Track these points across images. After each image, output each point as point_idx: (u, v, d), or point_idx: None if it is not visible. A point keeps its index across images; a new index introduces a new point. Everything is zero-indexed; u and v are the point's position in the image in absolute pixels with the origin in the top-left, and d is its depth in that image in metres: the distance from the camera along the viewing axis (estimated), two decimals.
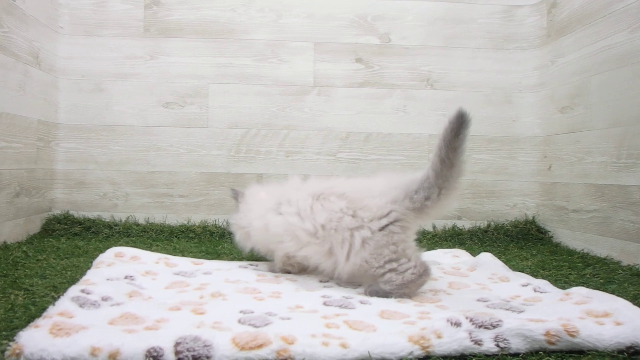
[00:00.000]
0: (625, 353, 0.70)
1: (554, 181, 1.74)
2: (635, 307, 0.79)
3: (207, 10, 1.81)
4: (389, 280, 0.96)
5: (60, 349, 0.64)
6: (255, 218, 1.16)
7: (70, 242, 1.54)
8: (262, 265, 1.26)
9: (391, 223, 0.97)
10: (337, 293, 0.99)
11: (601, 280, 1.16)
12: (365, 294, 0.98)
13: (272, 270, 1.20)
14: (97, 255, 1.21)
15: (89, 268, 1.13)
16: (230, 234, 1.71)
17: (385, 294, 0.96)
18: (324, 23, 1.83)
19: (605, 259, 1.41)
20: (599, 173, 1.50)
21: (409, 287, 0.96)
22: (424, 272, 0.97)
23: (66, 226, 1.70)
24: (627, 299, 0.83)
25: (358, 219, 0.99)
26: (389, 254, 0.96)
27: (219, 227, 1.76)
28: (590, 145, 1.54)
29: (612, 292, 0.93)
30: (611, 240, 1.44)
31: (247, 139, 1.82)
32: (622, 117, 1.40)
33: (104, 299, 0.87)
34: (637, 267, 1.29)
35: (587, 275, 1.22)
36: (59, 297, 0.88)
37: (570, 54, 1.65)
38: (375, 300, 0.94)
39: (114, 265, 1.11)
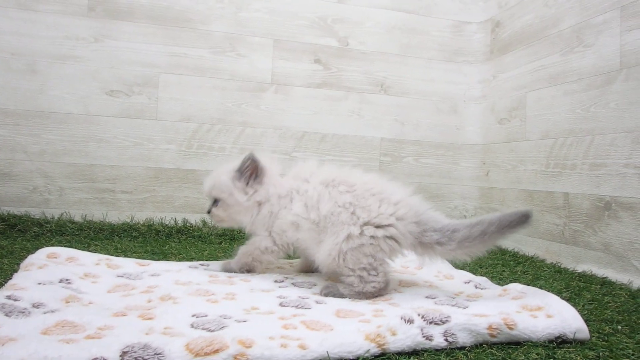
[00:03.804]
0: (554, 342, 0.78)
1: (491, 186, 1.90)
2: (563, 301, 0.85)
3: None
4: (350, 283, 0.97)
5: None
6: (266, 202, 1.12)
7: None
8: (214, 265, 1.22)
9: (385, 237, 0.96)
10: (292, 293, 0.99)
11: (530, 277, 1.27)
12: (321, 294, 0.99)
13: (227, 270, 1.16)
14: (26, 256, 1.10)
15: (15, 271, 1.02)
16: (180, 232, 1.65)
17: (341, 296, 0.98)
18: (284, 21, 1.82)
19: (532, 257, 1.56)
20: (530, 180, 1.66)
21: (366, 296, 0.98)
22: (384, 287, 0.99)
23: None
24: (554, 294, 0.91)
25: (354, 217, 0.98)
26: (366, 264, 0.96)
27: (166, 225, 1.67)
28: (523, 155, 1.71)
29: (540, 288, 1.02)
30: (538, 241, 1.61)
31: (199, 134, 1.75)
32: (552, 130, 1.57)
33: (36, 306, 0.78)
34: (559, 264, 1.45)
35: (519, 273, 1.33)
36: None
37: (510, 71, 1.81)
38: (330, 299, 0.95)
39: (47, 267, 1.01)
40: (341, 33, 1.87)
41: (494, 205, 1.86)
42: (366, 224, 0.97)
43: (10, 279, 0.93)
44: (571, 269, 1.38)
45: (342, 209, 0.99)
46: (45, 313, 0.76)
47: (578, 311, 0.83)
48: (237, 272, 1.14)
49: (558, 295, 0.90)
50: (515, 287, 1.01)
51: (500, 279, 1.24)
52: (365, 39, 1.89)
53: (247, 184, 1.13)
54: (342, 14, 1.87)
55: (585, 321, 0.82)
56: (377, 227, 0.96)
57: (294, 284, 1.07)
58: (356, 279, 0.97)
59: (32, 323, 0.70)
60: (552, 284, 1.19)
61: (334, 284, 1.02)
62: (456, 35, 1.99)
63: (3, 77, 1.59)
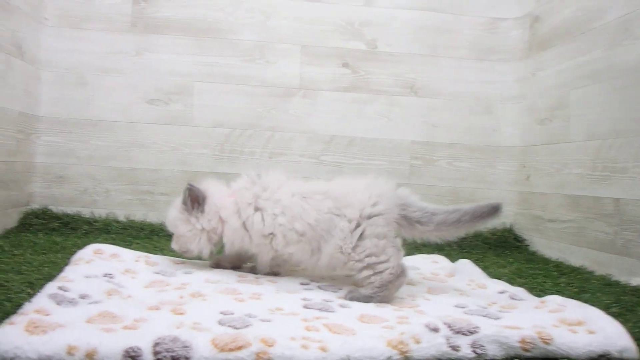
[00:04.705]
0: None
1: (532, 191, 1.78)
2: (607, 316, 0.81)
3: (195, 9, 1.81)
4: (367, 279, 0.98)
5: (35, 347, 0.63)
6: (230, 216, 1.12)
7: (47, 238, 1.51)
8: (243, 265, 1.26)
9: (376, 215, 1.01)
10: (317, 296, 1.00)
11: (575, 289, 1.18)
12: (346, 299, 0.99)
13: (254, 272, 1.19)
14: (76, 252, 1.19)
15: (66, 265, 1.11)
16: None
17: (366, 299, 0.98)
18: (311, 27, 1.84)
19: (579, 268, 1.44)
20: (575, 184, 1.54)
21: (388, 288, 0.98)
22: (401, 274, 0.99)
23: (44, 221, 1.68)
24: (600, 308, 0.85)
25: (345, 218, 1.02)
26: (371, 247, 0.98)
27: None
28: (567, 157, 1.59)
29: (586, 301, 0.95)
30: (585, 250, 1.48)
31: (231, 139, 1.83)
32: (599, 130, 1.45)
33: (82, 297, 0.86)
34: (609, 277, 1.32)
35: (562, 284, 1.24)
36: (35, 293, 0.87)
37: (551, 68, 1.69)
38: (354, 304, 0.95)
39: (93, 263, 1.09)
40: (369, 36, 1.86)
41: (535, 211, 1.75)
42: (356, 214, 1.02)
43: (62, 271, 1.03)
44: (623, 282, 1.26)
45: (329, 214, 1.03)
46: (90, 304, 0.84)
47: (628, 328, 0.77)
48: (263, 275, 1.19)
49: (606, 311, 0.84)
50: (555, 300, 0.95)
51: (540, 291, 1.16)
52: (393, 40, 1.87)
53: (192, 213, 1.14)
54: (368, 17, 1.86)
55: (636, 340, 0.75)
56: (365, 208, 1.01)
57: (319, 287, 1.08)
58: (369, 271, 0.98)
59: (78, 312, 0.78)
60: (599, 298, 1.09)
61: (357, 288, 1.02)
62: (490, 33, 1.89)
63: (59, 90, 1.77)
